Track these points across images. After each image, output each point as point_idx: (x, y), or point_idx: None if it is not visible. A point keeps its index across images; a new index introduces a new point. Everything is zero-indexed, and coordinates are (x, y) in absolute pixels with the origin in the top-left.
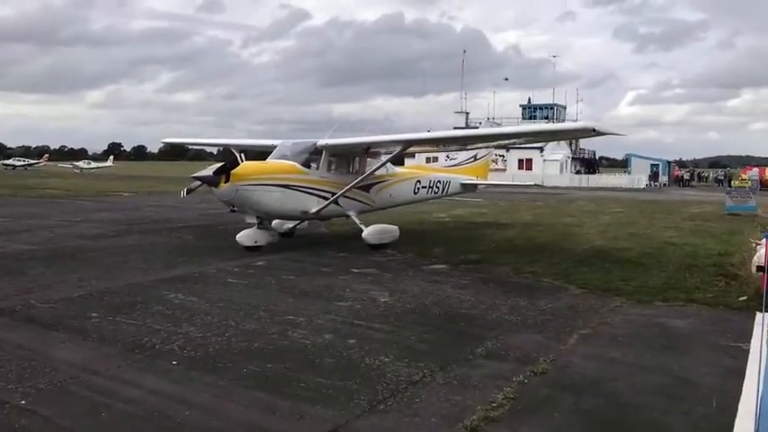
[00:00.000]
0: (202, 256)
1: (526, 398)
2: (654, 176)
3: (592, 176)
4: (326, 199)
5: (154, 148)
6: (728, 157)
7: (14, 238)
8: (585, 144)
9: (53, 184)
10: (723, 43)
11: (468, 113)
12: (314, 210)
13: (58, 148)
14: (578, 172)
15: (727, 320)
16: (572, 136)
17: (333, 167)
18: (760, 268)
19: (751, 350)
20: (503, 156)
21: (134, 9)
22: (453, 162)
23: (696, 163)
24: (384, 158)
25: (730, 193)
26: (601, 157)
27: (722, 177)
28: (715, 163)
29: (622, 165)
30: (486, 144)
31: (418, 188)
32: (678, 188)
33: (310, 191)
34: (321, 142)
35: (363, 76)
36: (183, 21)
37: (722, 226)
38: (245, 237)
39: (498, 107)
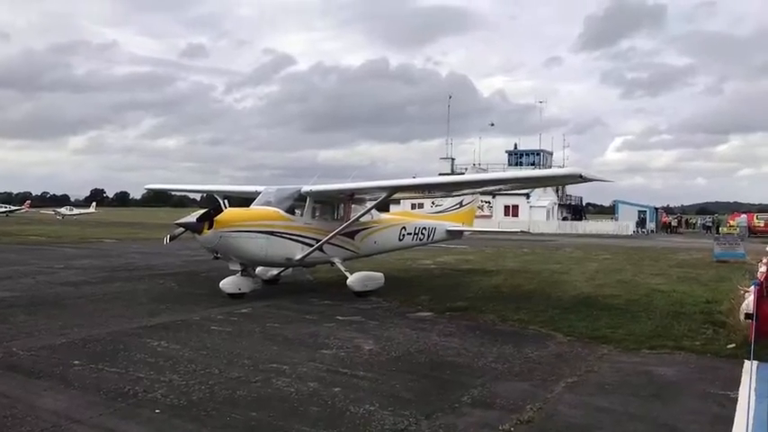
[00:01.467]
0: (186, 303)
1: None
2: (641, 223)
3: (579, 223)
4: (311, 246)
5: (137, 194)
6: (716, 203)
7: None
8: (572, 190)
9: (35, 231)
10: (711, 89)
11: (453, 159)
12: (298, 257)
13: (40, 194)
14: (565, 218)
15: (716, 368)
16: (559, 182)
17: (317, 214)
18: (748, 316)
19: (739, 398)
20: (489, 202)
21: (116, 54)
22: (439, 209)
23: (684, 209)
24: (369, 205)
25: (718, 239)
26: (588, 204)
27: (710, 224)
28: (703, 209)
29: (610, 211)
30: (471, 190)
31: (403, 235)
32: (666, 235)
33: (294, 237)
34: (305, 188)
35: (348, 121)
36: (166, 66)
37: (710, 273)
38: (228, 284)
39: (484, 153)
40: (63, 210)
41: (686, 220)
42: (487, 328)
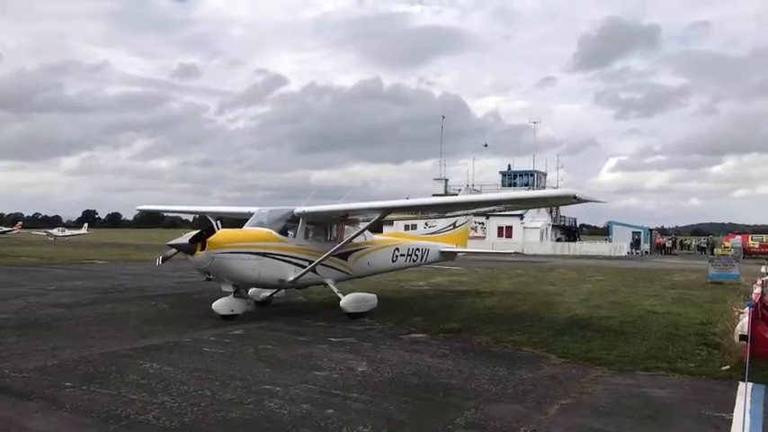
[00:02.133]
0: (178, 324)
1: None
2: (635, 244)
3: (572, 244)
4: (304, 267)
5: (129, 215)
6: (711, 224)
7: None
8: (566, 211)
9: (26, 252)
10: (705, 109)
11: (447, 180)
12: (291, 278)
13: (31, 215)
14: (559, 239)
15: (710, 390)
16: (552, 203)
17: (310, 235)
18: (743, 337)
19: (734, 420)
20: (482, 223)
21: (108, 75)
22: (432, 230)
23: (678, 230)
24: (362, 226)
25: (713, 261)
26: (582, 225)
27: (705, 245)
28: (697, 230)
29: (603, 232)
30: (465, 211)
31: (397, 256)
32: (660, 256)
33: (287, 259)
34: (298, 209)
35: (341, 142)
36: (158, 86)
37: (705, 294)
38: (221, 305)
39: (478, 174)
40: (55, 231)
41: (681, 242)
42: (481, 350)
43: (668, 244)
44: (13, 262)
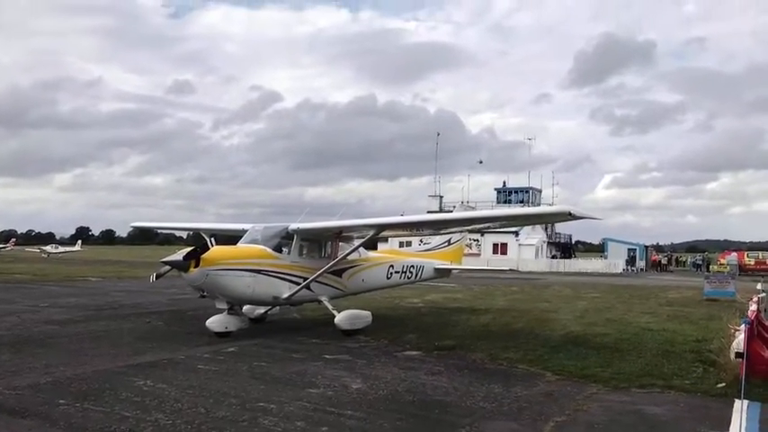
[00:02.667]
0: (172, 342)
1: None
2: (631, 261)
3: (568, 261)
4: (298, 284)
5: (123, 232)
6: (707, 241)
7: None
8: (561, 228)
9: (20, 269)
10: (701, 125)
11: (442, 197)
12: (285, 295)
13: (25, 232)
14: (554, 256)
15: (706, 407)
16: (548, 220)
17: (304, 252)
18: (739, 355)
19: None
20: (477, 240)
21: (102, 91)
22: (427, 247)
23: (674, 247)
24: (357, 243)
25: (709, 278)
26: (577, 242)
27: (700, 262)
28: (693, 247)
29: (599, 249)
30: (460, 228)
31: (391, 273)
32: (656, 273)
33: (282, 276)
34: (293, 226)
35: (336, 158)
36: (153, 103)
37: (700, 311)
38: (215, 322)
39: (473, 190)
40: (48, 248)
41: (676, 258)
42: (476, 367)
43: (664, 261)
44: (6, 279)
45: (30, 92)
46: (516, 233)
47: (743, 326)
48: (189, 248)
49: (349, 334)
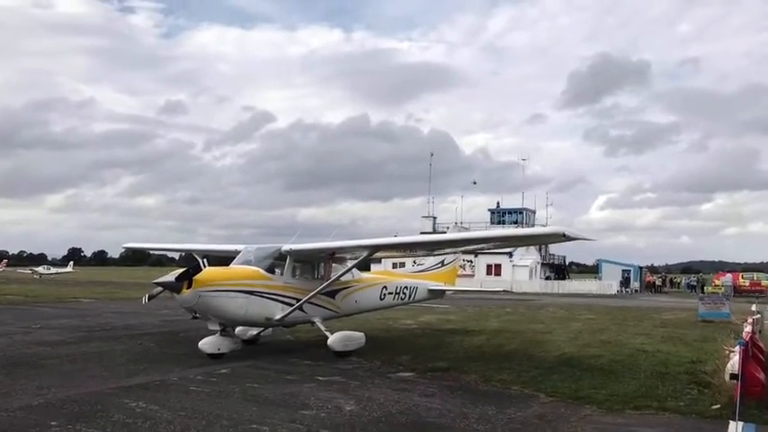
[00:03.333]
0: (164, 363)
1: None
2: (625, 282)
3: (562, 282)
4: (291, 305)
5: (115, 253)
6: (701, 262)
7: None
8: (555, 249)
9: (12, 290)
10: (695, 146)
11: (435, 218)
12: (278, 316)
13: (17, 253)
14: (548, 278)
15: (701, 429)
16: (542, 241)
17: (297, 273)
18: (734, 376)
19: None
20: (471, 261)
21: (94, 111)
22: (420, 268)
23: (668, 268)
24: (350, 264)
25: (703, 299)
26: (571, 263)
27: (695, 283)
28: (687, 268)
29: (593, 270)
30: (453, 249)
31: (384, 294)
32: (650, 294)
33: (274, 297)
34: (285, 247)
35: (329, 179)
36: (145, 123)
37: (695, 333)
38: (207, 344)
39: (466, 211)
40: (40, 269)
41: (671, 280)
42: (470, 389)
43: (658, 282)
44: None
45: (21, 112)
46: (510, 254)
47: (737, 347)
48: (181, 269)
49: (342, 355)
